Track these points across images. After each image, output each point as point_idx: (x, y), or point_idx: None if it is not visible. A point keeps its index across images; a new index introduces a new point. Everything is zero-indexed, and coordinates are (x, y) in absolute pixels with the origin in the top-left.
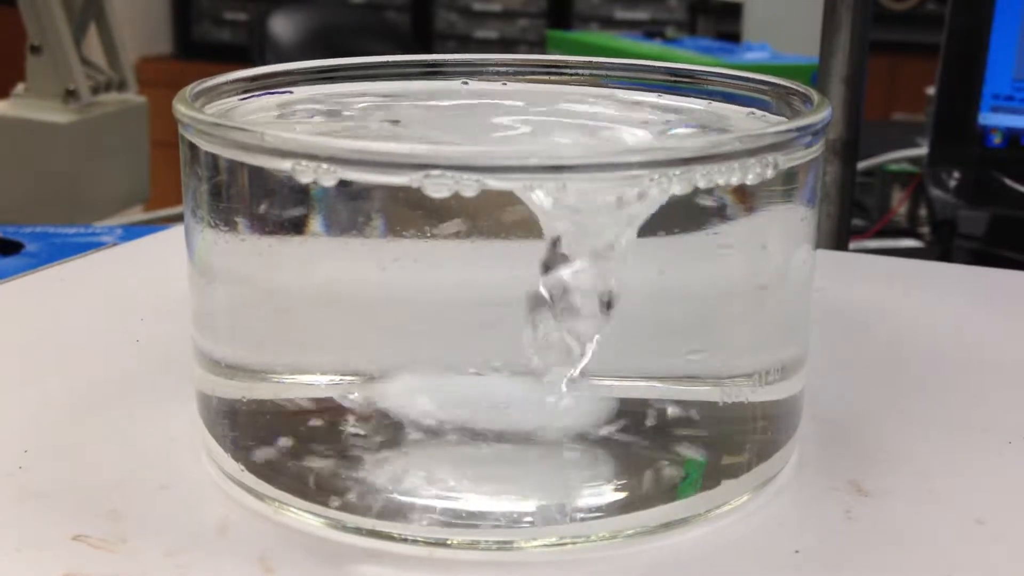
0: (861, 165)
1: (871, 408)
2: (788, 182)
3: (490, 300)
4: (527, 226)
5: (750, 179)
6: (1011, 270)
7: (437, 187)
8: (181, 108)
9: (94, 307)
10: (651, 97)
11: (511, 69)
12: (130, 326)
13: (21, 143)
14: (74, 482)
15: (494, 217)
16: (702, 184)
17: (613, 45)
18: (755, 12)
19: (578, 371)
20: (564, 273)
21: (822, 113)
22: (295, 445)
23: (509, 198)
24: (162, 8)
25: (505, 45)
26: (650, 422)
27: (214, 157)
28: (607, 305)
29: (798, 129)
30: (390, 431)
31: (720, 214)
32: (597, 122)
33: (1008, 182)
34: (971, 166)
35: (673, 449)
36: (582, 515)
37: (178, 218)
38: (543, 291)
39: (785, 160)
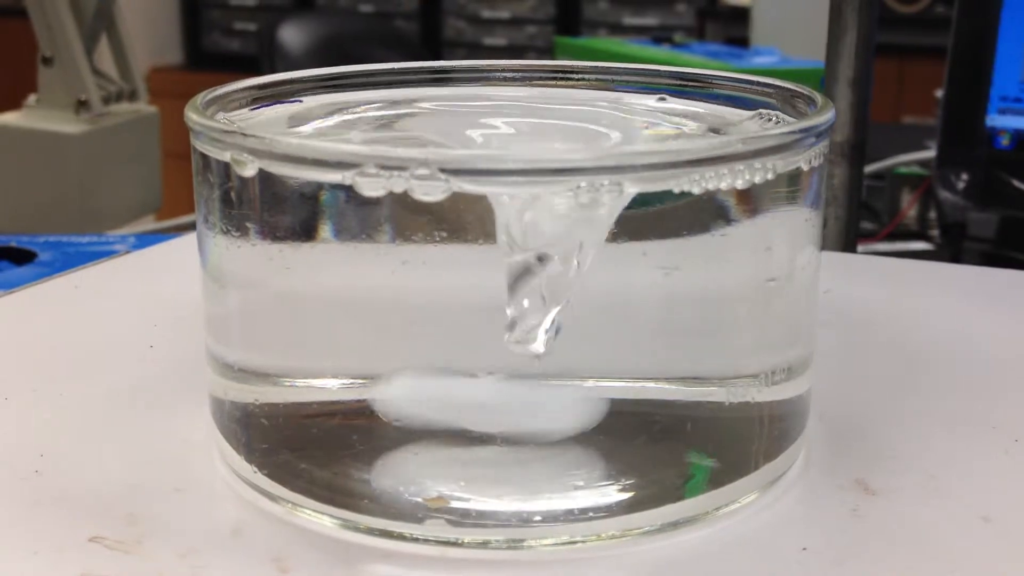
0: (871, 168)
1: (878, 408)
2: (792, 184)
3: (504, 303)
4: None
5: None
6: (1019, 271)
7: (427, 190)
8: (193, 116)
9: (108, 314)
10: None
11: (519, 74)
12: (143, 332)
13: (33, 153)
14: (90, 485)
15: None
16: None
17: (621, 51)
18: (763, 16)
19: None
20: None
21: (826, 115)
22: (307, 447)
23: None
24: (172, 18)
25: (514, 52)
26: (658, 422)
27: (225, 164)
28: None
29: (801, 131)
30: (401, 433)
31: (725, 216)
32: (598, 126)
33: (1016, 183)
34: (979, 168)
35: (681, 448)
36: (592, 514)
37: (190, 227)
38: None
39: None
